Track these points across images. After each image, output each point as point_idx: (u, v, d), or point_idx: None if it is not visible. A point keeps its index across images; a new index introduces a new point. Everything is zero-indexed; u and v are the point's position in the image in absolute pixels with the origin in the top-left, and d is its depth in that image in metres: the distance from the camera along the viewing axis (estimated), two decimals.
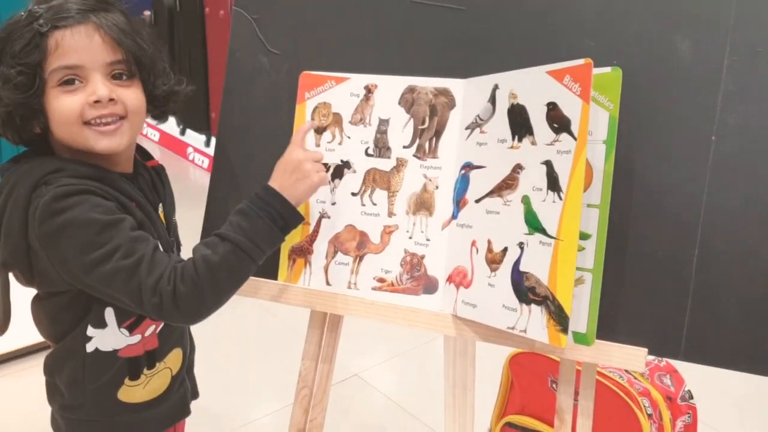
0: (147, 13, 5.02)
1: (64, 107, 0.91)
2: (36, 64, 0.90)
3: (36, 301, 1.02)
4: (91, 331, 0.98)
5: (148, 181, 1.05)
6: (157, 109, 1.03)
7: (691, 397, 1.42)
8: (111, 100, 0.92)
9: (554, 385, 1.45)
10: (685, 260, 0.94)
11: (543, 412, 1.47)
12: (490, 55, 1.02)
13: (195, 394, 1.18)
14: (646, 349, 0.94)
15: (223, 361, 2.42)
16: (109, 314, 0.98)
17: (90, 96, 0.91)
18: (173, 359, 1.08)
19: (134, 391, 1.04)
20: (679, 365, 1.45)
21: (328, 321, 1.13)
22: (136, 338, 1.01)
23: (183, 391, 1.13)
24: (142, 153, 1.09)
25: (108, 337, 0.99)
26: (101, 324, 0.98)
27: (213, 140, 4.39)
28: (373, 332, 2.67)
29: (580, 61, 0.86)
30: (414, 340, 2.60)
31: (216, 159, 1.15)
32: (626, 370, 1.40)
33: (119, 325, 0.99)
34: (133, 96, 0.96)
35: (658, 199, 0.94)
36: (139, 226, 0.94)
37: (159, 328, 1.04)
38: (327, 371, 1.12)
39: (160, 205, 1.06)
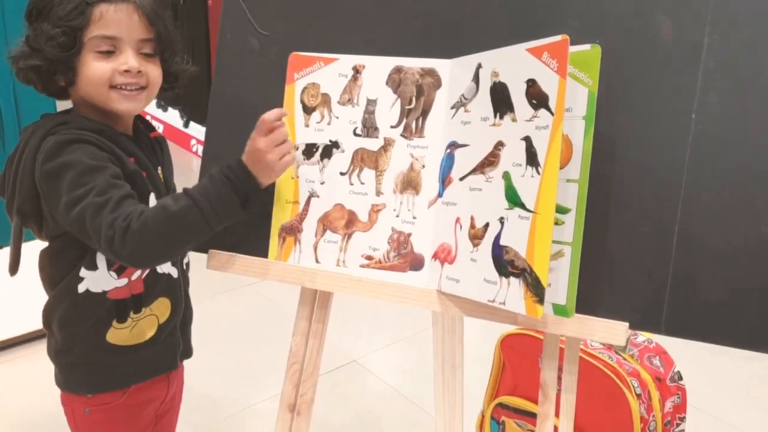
0: None
1: (97, 70, 1.03)
2: (79, 29, 1.01)
3: (42, 251, 1.12)
4: (83, 272, 1.07)
5: (148, 145, 1.16)
6: (167, 83, 1.14)
7: (681, 378, 1.43)
8: (138, 72, 1.05)
9: None
10: (665, 235, 0.95)
11: (534, 392, 1.49)
12: (475, 35, 1.04)
13: (187, 352, 1.26)
14: (627, 323, 0.95)
15: (220, 345, 2.45)
16: (101, 257, 1.07)
17: (122, 65, 1.04)
18: (160, 307, 1.15)
19: (121, 334, 1.12)
20: (669, 347, 1.47)
21: (318, 297, 1.15)
22: (123, 281, 1.09)
23: (172, 342, 1.19)
24: (146, 125, 1.19)
25: (98, 279, 1.08)
26: (93, 266, 1.07)
27: None
28: (371, 318, 2.69)
29: (558, 38, 0.87)
30: (412, 327, 2.62)
31: (207, 140, 1.17)
32: (616, 351, 1.42)
33: (108, 267, 1.08)
34: (155, 71, 1.09)
35: (639, 176, 0.95)
36: (130, 177, 1.04)
37: (144, 274, 1.11)
38: (317, 346, 1.14)
39: (159, 168, 1.15)
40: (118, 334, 1.12)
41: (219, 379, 2.30)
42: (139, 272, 1.10)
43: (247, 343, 2.52)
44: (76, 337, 1.12)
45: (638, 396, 1.36)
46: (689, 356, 1.52)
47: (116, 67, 1.04)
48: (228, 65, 1.16)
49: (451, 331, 1.21)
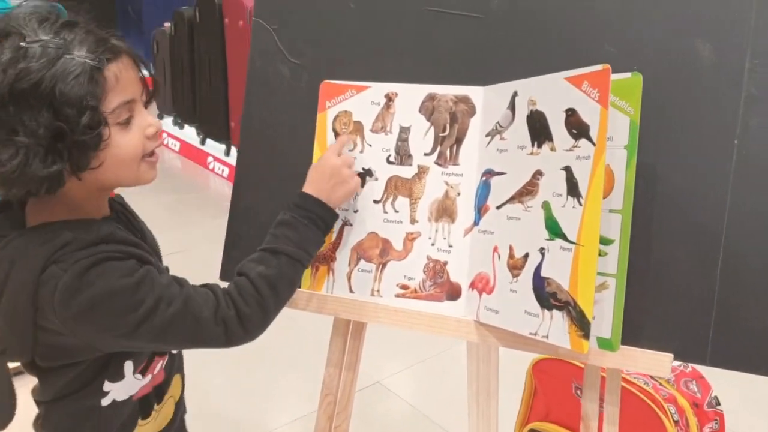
0: (167, 24, 5.08)
1: (130, 145, 0.88)
2: (98, 103, 0.82)
3: (31, 368, 0.94)
4: (108, 386, 0.95)
5: (123, 216, 1.01)
6: None
7: (718, 404, 1.40)
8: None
9: (578, 391, 1.44)
10: (709, 264, 0.93)
11: (567, 418, 1.47)
12: (508, 62, 1.02)
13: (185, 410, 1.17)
14: (671, 355, 0.93)
15: (243, 369, 2.43)
16: (128, 364, 0.96)
17: (148, 128, 0.90)
18: (175, 386, 1.09)
19: (145, 429, 1.04)
20: (706, 371, 1.44)
21: (352, 328, 1.14)
22: (147, 378, 1.01)
23: (182, 413, 1.13)
24: None
25: (125, 386, 0.97)
26: (119, 376, 0.96)
27: (233, 150, 4.43)
28: (394, 339, 2.67)
29: (598, 67, 0.86)
30: (436, 347, 2.60)
31: (238, 168, 1.16)
32: (651, 376, 1.39)
33: (134, 372, 0.97)
34: None
35: (682, 204, 0.94)
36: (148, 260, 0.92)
37: (165, 362, 1.03)
38: (351, 378, 1.12)
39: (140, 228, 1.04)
40: (142, 431, 1.03)
41: (239, 402, 2.28)
42: (161, 362, 1.02)
43: (268, 366, 2.50)
44: None
45: (676, 423, 1.33)
46: (726, 381, 1.48)
47: (142, 132, 0.89)
48: (258, 92, 1.16)
49: (486, 361, 1.19)
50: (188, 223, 3.77)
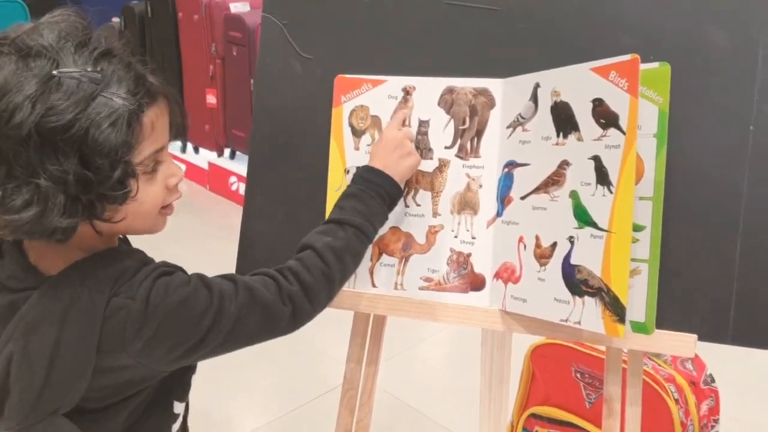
0: (115, 19, 4.95)
1: (152, 198, 0.81)
2: (130, 154, 0.75)
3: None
4: (177, 407, 0.91)
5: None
6: None
7: (713, 381, 1.45)
8: None
9: (578, 375, 1.48)
10: (728, 248, 0.96)
11: (568, 401, 1.50)
12: (527, 54, 1.04)
13: None
14: (695, 335, 0.97)
15: (221, 368, 2.40)
16: (188, 378, 0.92)
17: (171, 179, 0.83)
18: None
19: None
20: (699, 351, 1.49)
21: (372, 323, 1.14)
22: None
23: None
24: None
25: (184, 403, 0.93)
26: (186, 392, 0.92)
27: (189, 146, 4.34)
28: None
29: (626, 57, 0.88)
30: (413, 338, 2.62)
31: (250, 166, 1.15)
32: (650, 357, 1.43)
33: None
34: None
35: (700, 188, 0.96)
36: None
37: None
38: (373, 372, 1.13)
39: None
40: None
41: (222, 401, 2.26)
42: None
43: (250, 365, 2.47)
44: None
45: (676, 401, 1.38)
46: (717, 360, 1.54)
47: (164, 182, 0.83)
48: (269, 89, 1.14)
49: (500, 347, 1.21)
50: None
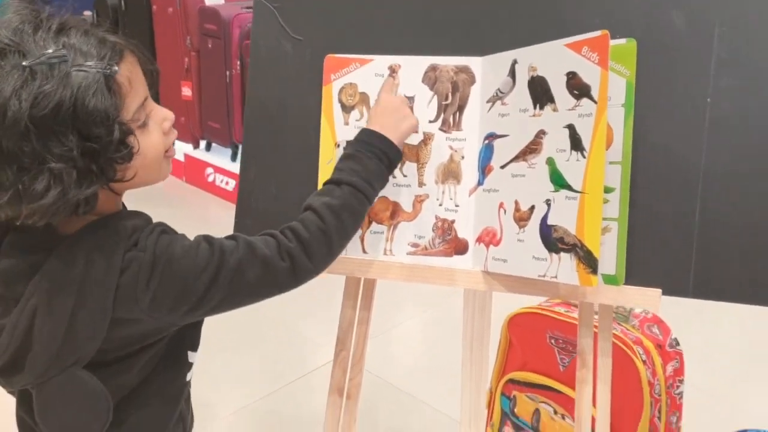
0: (87, 13, 4.94)
1: (152, 145, 0.87)
2: (119, 113, 0.80)
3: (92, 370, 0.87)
4: (191, 356, 0.95)
5: None
6: None
7: (678, 344, 1.55)
8: None
9: (552, 341, 1.57)
10: (689, 210, 1.05)
11: (543, 365, 1.59)
12: (503, 33, 1.12)
13: None
14: (660, 290, 1.06)
15: (206, 352, 2.45)
16: (198, 326, 0.96)
17: (164, 123, 0.89)
18: None
19: None
20: (663, 316, 1.59)
21: (363, 286, 1.21)
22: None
23: None
24: None
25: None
26: (197, 343, 0.96)
27: None
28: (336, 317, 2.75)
29: (597, 33, 0.97)
30: (391, 320, 2.70)
31: (245, 144, 1.21)
32: (619, 323, 1.53)
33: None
34: None
35: (663, 155, 1.05)
36: None
37: None
38: (364, 332, 1.21)
39: None
40: None
41: (201, 385, 2.31)
42: None
43: (231, 350, 2.51)
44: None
45: (644, 362, 1.47)
46: (680, 325, 1.64)
47: (159, 127, 0.88)
48: (263, 71, 1.21)
49: (481, 310, 1.29)
50: None
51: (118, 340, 0.87)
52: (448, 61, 1.13)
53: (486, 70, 1.12)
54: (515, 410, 1.66)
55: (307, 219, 0.95)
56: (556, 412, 1.57)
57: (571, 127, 0.99)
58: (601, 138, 0.96)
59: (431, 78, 1.14)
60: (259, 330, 2.55)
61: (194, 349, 0.98)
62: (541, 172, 1.03)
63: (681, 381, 1.56)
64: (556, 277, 1.01)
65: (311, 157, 1.17)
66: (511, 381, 1.64)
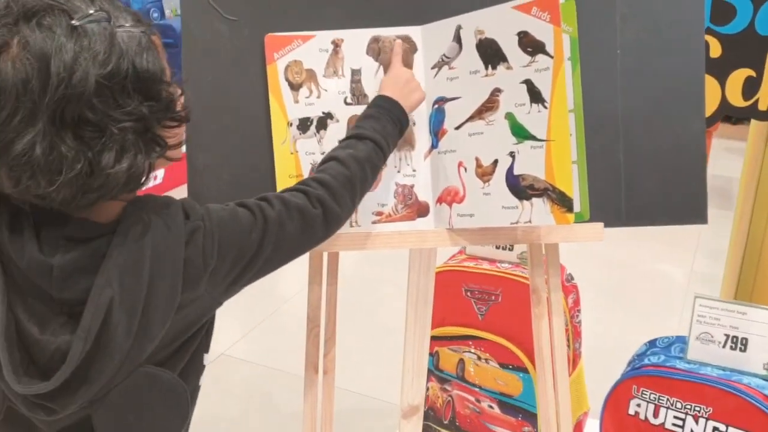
0: None
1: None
2: (164, 72, 0.78)
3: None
4: (206, 359, 0.92)
5: None
6: None
7: (573, 279, 1.73)
8: None
9: (468, 293, 1.67)
10: (614, 149, 1.20)
11: (463, 318, 1.69)
12: (439, 3, 1.17)
13: None
14: (602, 223, 1.19)
15: None
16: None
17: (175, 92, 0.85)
18: None
19: None
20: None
21: (328, 261, 1.22)
22: None
23: None
24: None
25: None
26: (209, 343, 0.93)
27: None
28: (225, 310, 2.68)
29: None
30: (267, 309, 2.69)
31: (189, 131, 1.15)
32: (524, 267, 1.67)
33: None
34: None
35: (592, 103, 1.18)
36: None
37: None
38: (333, 308, 1.21)
39: None
40: None
41: None
42: None
43: None
44: None
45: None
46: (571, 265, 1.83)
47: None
48: (198, 54, 1.16)
49: (426, 271, 1.35)
50: None
51: (171, 331, 0.81)
52: (389, 32, 1.17)
53: (426, 37, 1.17)
54: (439, 365, 1.75)
55: (331, 169, 0.98)
56: (480, 358, 1.68)
57: (528, 82, 1.08)
58: (562, 88, 1.05)
59: (375, 49, 1.17)
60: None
61: (207, 351, 0.94)
62: (501, 128, 1.11)
63: (579, 311, 1.75)
64: (530, 221, 1.10)
65: (263, 139, 1.15)
66: (434, 338, 1.72)
